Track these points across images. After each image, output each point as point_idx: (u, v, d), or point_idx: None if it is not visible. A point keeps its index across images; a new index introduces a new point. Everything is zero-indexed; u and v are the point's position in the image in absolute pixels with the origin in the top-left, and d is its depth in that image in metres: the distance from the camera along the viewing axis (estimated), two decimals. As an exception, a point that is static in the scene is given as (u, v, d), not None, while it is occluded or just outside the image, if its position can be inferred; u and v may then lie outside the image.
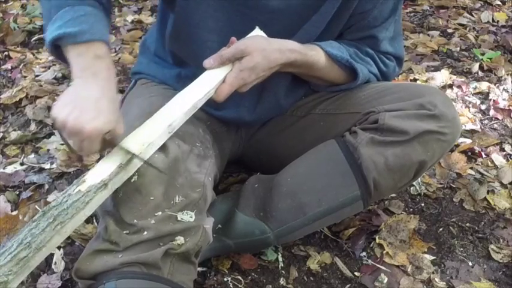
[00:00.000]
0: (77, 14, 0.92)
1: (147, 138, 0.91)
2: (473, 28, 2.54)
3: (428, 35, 2.47)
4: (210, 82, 0.99)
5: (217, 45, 1.04)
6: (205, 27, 1.09)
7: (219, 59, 1.00)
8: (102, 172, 0.86)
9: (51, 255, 1.22)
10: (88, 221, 1.30)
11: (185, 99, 0.97)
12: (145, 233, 0.89)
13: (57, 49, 0.95)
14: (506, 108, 1.88)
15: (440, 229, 1.37)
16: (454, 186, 1.52)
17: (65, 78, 2.03)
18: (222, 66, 1.01)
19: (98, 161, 1.52)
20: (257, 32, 1.06)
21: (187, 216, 0.94)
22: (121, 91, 1.91)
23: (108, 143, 0.89)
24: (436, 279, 1.23)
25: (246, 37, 1.04)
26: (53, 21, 0.93)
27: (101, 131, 0.86)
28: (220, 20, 1.08)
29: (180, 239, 0.92)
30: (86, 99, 0.87)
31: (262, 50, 1.01)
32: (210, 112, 1.21)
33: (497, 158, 1.63)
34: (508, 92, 1.98)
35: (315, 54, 1.10)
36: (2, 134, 1.71)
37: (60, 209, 0.81)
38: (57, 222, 0.81)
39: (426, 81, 2.04)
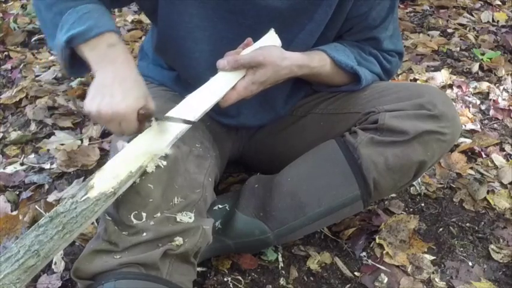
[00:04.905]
0: (79, 13, 0.94)
1: (157, 143, 0.91)
2: (473, 28, 2.54)
3: (428, 35, 2.47)
4: (221, 88, 0.99)
5: (207, 55, 1.04)
6: (192, 39, 1.09)
7: (233, 63, 1.00)
8: (113, 175, 0.86)
9: (51, 255, 1.22)
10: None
11: (195, 104, 0.97)
12: (145, 234, 0.89)
13: (71, 57, 0.96)
14: (506, 108, 1.89)
15: (440, 229, 1.37)
16: (454, 186, 1.52)
17: (65, 78, 2.03)
18: (235, 71, 1.00)
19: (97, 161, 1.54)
20: (271, 35, 1.06)
21: (187, 217, 0.93)
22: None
23: (145, 118, 0.91)
24: (436, 279, 1.23)
25: (262, 44, 1.04)
26: (60, 28, 0.95)
27: (134, 108, 0.88)
28: (206, 29, 1.08)
29: (178, 240, 0.91)
30: (110, 85, 0.89)
31: (276, 65, 1.02)
32: (211, 115, 1.21)
33: (497, 158, 1.63)
34: (508, 92, 1.98)
35: (322, 65, 1.11)
36: (2, 134, 1.71)
37: (69, 217, 0.81)
38: (66, 230, 0.80)
39: (426, 81, 2.04)
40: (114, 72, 0.91)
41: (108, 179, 0.85)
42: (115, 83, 0.90)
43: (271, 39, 1.06)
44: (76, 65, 0.99)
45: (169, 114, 0.94)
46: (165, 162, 0.92)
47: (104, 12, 0.98)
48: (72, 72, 1.02)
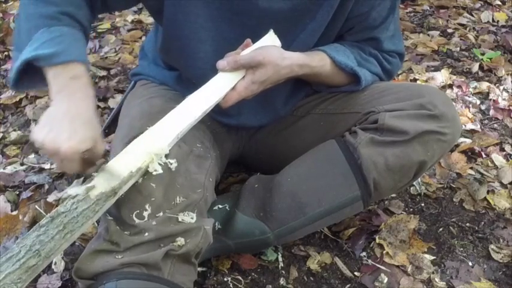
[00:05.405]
0: (52, 35, 0.92)
1: (157, 143, 0.91)
2: (473, 28, 2.54)
3: (428, 35, 2.47)
4: (221, 88, 1.00)
5: (211, 55, 1.04)
6: (196, 39, 1.09)
7: (233, 64, 1.00)
8: (113, 175, 0.86)
9: (52, 255, 1.22)
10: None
11: (196, 104, 0.97)
12: (146, 234, 0.89)
13: (26, 74, 0.94)
14: (506, 108, 1.89)
15: (440, 229, 1.38)
16: (454, 186, 1.52)
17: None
18: (235, 71, 1.01)
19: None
20: (271, 35, 1.06)
21: (188, 218, 0.93)
22: (121, 91, 1.92)
23: (88, 162, 0.88)
24: (436, 279, 1.23)
25: (262, 45, 1.04)
26: (31, 43, 0.92)
27: (76, 150, 0.84)
28: (211, 30, 1.08)
29: (180, 240, 0.92)
30: (61, 120, 0.86)
31: (276, 65, 1.02)
32: (211, 115, 1.21)
33: (497, 158, 1.63)
34: (508, 92, 1.98)
35: (322, 65, 1.11)
36: (2, 134, 1.71)
37: (70, 217, 0.80)
38: (67, 230, 0.80)
39: (426, 81, 2.04)
40: (68, 107, 0.88)
41: (109, 179, 0.85)
42: (65, 118, 0.86)
43: (270, 39, 1.06)
44: (25, 82, 0.97)
45: (148, 132, 0.92)
46: (175, 164, 0.92)
47: (78, 40, 0.96)
48: (18, 87, 0.98)
